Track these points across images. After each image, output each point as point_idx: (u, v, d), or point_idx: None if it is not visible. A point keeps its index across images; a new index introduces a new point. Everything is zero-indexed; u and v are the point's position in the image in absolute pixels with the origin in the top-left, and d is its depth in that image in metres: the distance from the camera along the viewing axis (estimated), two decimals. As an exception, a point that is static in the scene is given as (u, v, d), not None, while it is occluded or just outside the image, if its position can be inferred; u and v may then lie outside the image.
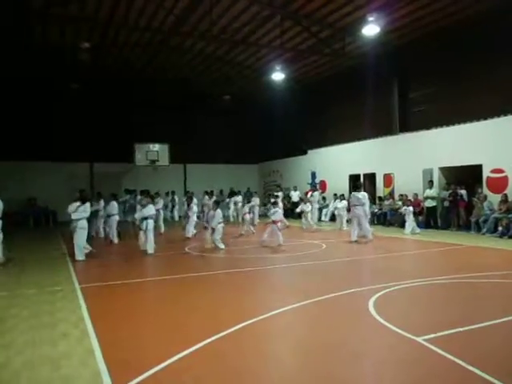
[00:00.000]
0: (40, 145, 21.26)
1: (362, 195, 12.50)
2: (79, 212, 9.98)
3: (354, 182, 13.97)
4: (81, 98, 21.64)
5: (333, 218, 17.96)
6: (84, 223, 10.05)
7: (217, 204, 12.02)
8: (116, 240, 13.28)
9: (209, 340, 4.46)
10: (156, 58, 19.24)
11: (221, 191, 23.21)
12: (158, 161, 22.69)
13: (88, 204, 10.26)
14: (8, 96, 20.73)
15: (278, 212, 12.19)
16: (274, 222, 11.97)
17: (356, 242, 12.18)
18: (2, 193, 18.68)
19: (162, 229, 15.86)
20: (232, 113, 24.85)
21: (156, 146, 22.81)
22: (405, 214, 14.42)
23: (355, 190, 12.80)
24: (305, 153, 23.02)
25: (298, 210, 17.04)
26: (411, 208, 14.29)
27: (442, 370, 3.74)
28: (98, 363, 3.95)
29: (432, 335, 4.44)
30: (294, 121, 23.92)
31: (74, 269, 8.91)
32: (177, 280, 7.93)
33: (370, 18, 13.97)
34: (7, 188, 19.87)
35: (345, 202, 16.04)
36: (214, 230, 11.49)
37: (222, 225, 11.66)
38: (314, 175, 22.22)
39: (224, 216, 19.43)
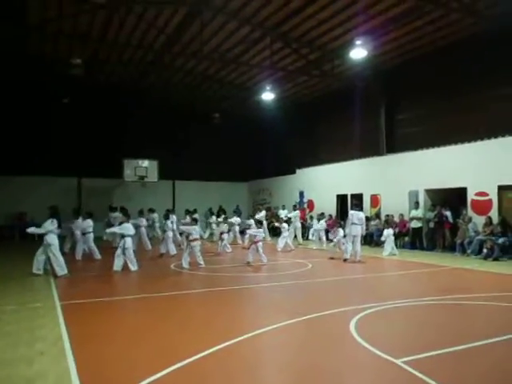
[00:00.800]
0: (29, 159, 21.12)
1: (363, 214, 12.91)
2: (45, 227, 9.85)
3: (353, 201, 14.07)
4: (71, 112, 21.63)
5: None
6: (51, 238, 9.83)
7: (195, 221, 12.01)
8: (98, 255, 13.17)
9: (190, 359, 4.43)
10: (147, 76, 19.41)
11: (210, 209, 23.13)
12: (146, 177, 22.64)
13: (54, 220, 9.97)
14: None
15: (259, 232, 12.24)
16: (255, 243, 12.00)
17: (346, 260, 12.36)
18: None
19: (149, 246, 15.79)
20: (222, 131, 24.98)
21: (145, 162, 22.80)
22: (383, 235, 14.55)
23: (355, 209, 12.92)
24: (293, 172, 23.17)
25: (276, 224, 17.05)
26: (391, 230, 14.39)
27: (418, 393, 3.76)
28: (72, 383, 3.90)
29: (411, 357, 4.45)
30: (284, 140, 24.15)
31: (56, 285, 8.81)
32: (159, 298, 7.87)
33: (358, 42, 14.27)
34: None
35: (322, 223, 16.36)
36: (191, 246, 11.41)
37: (198, 242, 11.58)
38: (301, 194, 22.32)
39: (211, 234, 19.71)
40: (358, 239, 12.49)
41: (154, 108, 23.23)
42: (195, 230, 11.47)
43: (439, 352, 4.67)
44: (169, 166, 23.45)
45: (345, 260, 12.39)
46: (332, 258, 13.04)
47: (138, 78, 19.70)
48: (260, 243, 12.03)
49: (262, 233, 12.38)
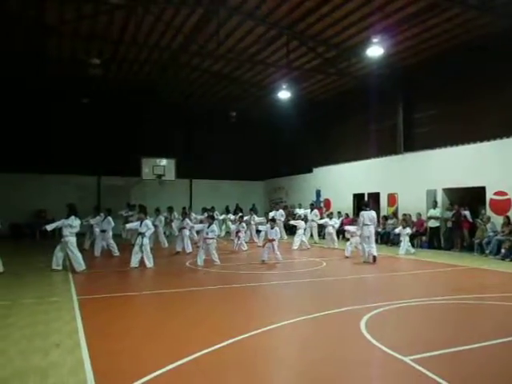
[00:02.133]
0: (50, 158, 21.60)
1: (375, 214, 12.58)
2: (68, 223, 10.09)
3: (362, 201, 13.60)
4: (90, 112, 22.03)
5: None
6: (69, 235, 10.05)
7: (211, 219, 12.05)
8: (117, 252, 13.41)
9: (199, 354, 4.51)
10: (164, 75, 19.61)
11: (226, 207, 23.29)
12: (164, 175, 22.89)
13: (72, 217, 10.19)
14: (19, 110, 21.24)
15: (275, 230, 12.25)
16: (271, 241, 12.04)
17: (373, 260, 11.81)
18: (11, 205, 19.27)
19: (166, 243, 15.98)
20: (238, 129, 25.09)
21: (163, 161, 23.05)
22: (399, 234, 14.41)
23: (365, 209, 12.47)
24: (310, 171, 23.13)
25: (292, 222, 17.03)
26: (408, 230, 14.26)
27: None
28: (86, 374, 4.01)
29: (420, 355, 4.44)
30: (300, 139, 24.12)
31: (74, 280, 9.02)
32: (173, 294, 8.00)
33: (374, 40, 14.19)
34: (17, 200, 20.34)
35: (336, 220, 16.29)
36: (207, 244, 11.49)
37: (214, 240, 11.65)
38: (318, 193, 22.28)
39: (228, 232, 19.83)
40: (372, 239, 12.14)
41: (171, 107, 23.48)
42: (210, 228, 11.53)
43: (449, 350, 4.65)
44: (186, 164, 23.67)
45: (374, 259, 11.84)
46: (347, 257, 12.99)
47: (155, 77, 19.91)
48: (275, 242, 12.08)
49: (275, 231, 12.33)
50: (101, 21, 14.50)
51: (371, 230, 12.07)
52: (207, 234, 11.47)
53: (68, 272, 10.04)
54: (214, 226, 11.73)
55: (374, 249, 12.03)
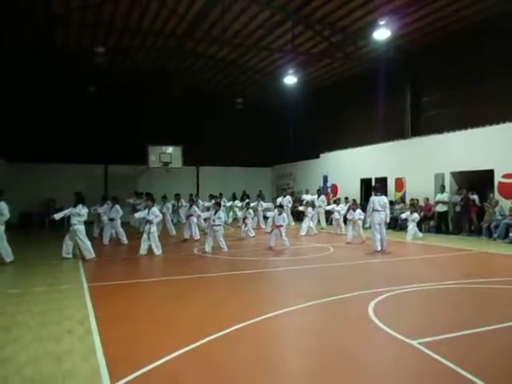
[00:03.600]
0: (58, 147, 21.71)
1: (387, 199, 11.73)
2: (73, 214, 10.18)
3: (375, 184, 12.53)
4: (96, 101, 22.05)
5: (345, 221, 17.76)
6: (77, 224, 10.15)
7: (218, 206, 12.06)
8: (125, 240, 13.53)
9: (207, 339, 4.58)
10: (170, 62, 19.53)
11: (233, 194, 23.32)
12: (170, 163, 22.94)
13: (80, 206, 10.26)
14: (26, 101, 21.39)
15: (282, 216, 12.24)
16: (278, 227, 12.07)
17: (380, 251, 11.08)
18: (21, 194, 19.45)
19: (173, 231, 16.07)
20: (245, 116, 24.99)
21: (169, 149, 23.09)
22: (406, 219, 14.36)
23: (377, 194, 11.62)
24: (317, 156, 23.05)
25: (300, 208, 16.93)
26: (416, 215, 14.20)
27: (432, 373, 3.79)
28: (98, 359, 4.09)
29: (427, 339, 4.47)
30: (307, 124, 24.00)
31: (84, 268, 9.13)
32: (182, 280, 8.09)
33: (382, 22, 14.01)
34: (26, 189, 20.53)
35: (342, 206, 16.05)
36: (214, 231, 11.54)
37: (221, 227, 11.68)
38: (325, 179, 22.22)
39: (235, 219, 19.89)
40: (383, 227, 11.30)
41: (177, 95, 23.38)
42: (216, 215, 11.57)
43: (456, 334, 4.68)
44: (193, 152, 23.67)
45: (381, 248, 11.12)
46: (348, 243, 12.94)
47: (160, 64, 19.82)
48: (283, 228, 12.11)
49: (283, 217, 12.31)
50: (106, 9, 14.42)
51: (382, 217, 11.21)
52: (214, 220, 11.52)
53: (78, 260, 10.16)
54: (221, 213, 11.77)
55: (384, 238, 11.21)
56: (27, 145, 21.14)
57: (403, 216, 14.64)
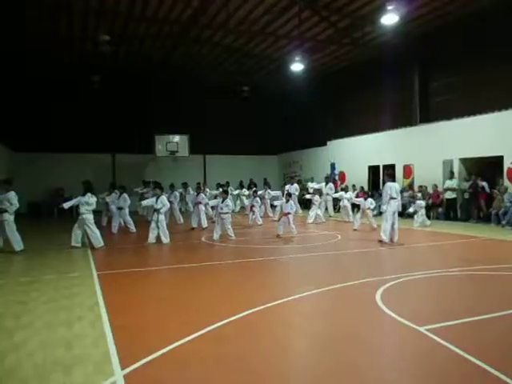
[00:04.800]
0: (66, 136, 21.84)
1: (398, 186, 11.07)
2: (82, 203, 10.27)
3: (388, 171, 11.68)
4: (103, 90, 22.02)
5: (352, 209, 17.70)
6: (86, 213, 10.21)
7: (226, 194, 12.08)
8: (134, 228, 13.61)
9: (217, 324, 4.63)
10: (175, 50, 19.41)
11: (240, 182, 23.31)
12: (177, 152, 22.96)
13: (89, 194, 10.32)
14: (35, 91, 21.52)
15: (290, 204, 12.24)
16: (286, 215, 12.07)
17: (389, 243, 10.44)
18: (30, 184, 19.62)
19: (181, 219, 16.14)
20: (251, 104, 24.88)
21: (176, 137, 23.09)
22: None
23: (389, 180, 10.90)
24: (324, 144, 22.93)
25: (307, 196, 16.87)
26: (423, 202, 14.11)
27: (439, 359, 3.80)
28: (108, 345, 4.15)
29: (434, 325, 4.48)
30: (314, 111, 23.84)
31: (93, 256, 9.23)
32: (191, 268, 8.14)
33: (390, 7, 13.79)
34: (34, 179, 20.70)
35: (350, 194, 16.11)
36: (222, 219, 11.58)
37: (228, 215, 11.71)
38: (333, 166, 22.14)
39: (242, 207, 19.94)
40: (397, 217, 10.58)
41: (183, 83, 23.29)
42: (224, 203, 11.59)
43: (464, 320, 4.68)
44: (199, 140, 23.66)
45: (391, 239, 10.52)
46: (355, 230, 12.94)
47: (166, 52, 19.72)
48: (290, 215, 12.12)
49: (290, 205, 12.30)
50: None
51: (398, 205, 10.61)
52: (222, 208, 11.55)
53: (87, 249, 10.26)
54: (229, 201, 11.79)
55: (396, 229, 10.54)
56: (35, 135, 21.33)
57: (411, 210, 14.47)
